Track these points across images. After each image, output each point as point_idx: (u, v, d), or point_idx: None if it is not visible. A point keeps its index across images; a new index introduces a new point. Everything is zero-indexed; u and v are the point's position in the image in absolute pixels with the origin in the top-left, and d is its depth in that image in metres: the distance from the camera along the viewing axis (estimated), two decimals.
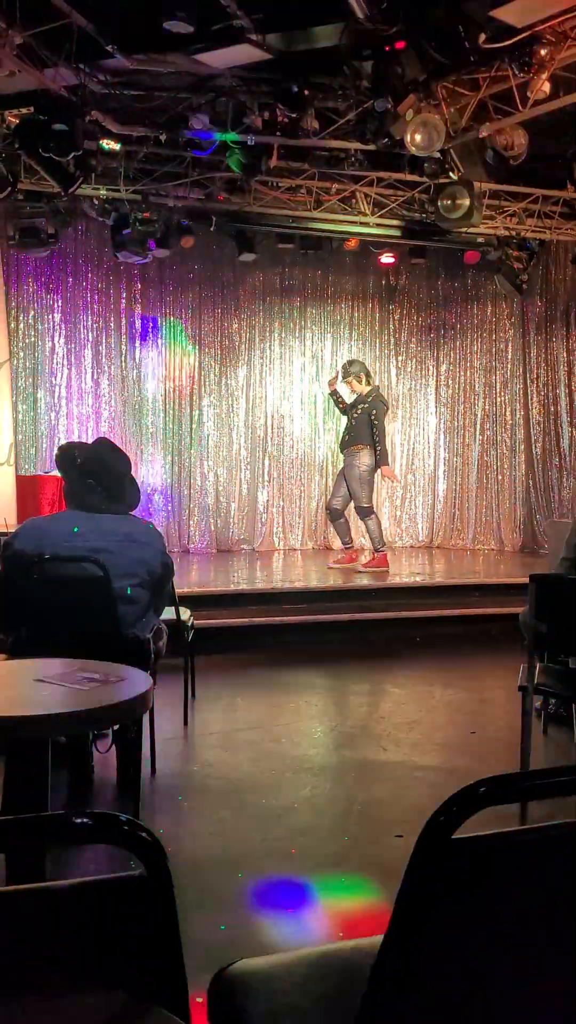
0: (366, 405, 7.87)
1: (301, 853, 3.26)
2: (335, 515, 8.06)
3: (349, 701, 5.23)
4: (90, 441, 3.97)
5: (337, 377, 8.07)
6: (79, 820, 1.10)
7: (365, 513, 7.85)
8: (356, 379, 7.94)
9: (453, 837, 1.08)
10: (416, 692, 5.52)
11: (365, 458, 7.78)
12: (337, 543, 8.62)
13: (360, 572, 7.74)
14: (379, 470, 7.89)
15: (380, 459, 7.87)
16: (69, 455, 3.61)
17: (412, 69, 5.19)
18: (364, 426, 7.81)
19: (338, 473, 8.12)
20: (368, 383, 7.99)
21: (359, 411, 7.87)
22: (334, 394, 8.24)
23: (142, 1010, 1.03)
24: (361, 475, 7.83)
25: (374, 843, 3.33)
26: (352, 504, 7.89)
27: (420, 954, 1.12)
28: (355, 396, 7.96)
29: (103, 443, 3.73)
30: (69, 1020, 1.02)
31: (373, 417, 7.83)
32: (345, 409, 8.07)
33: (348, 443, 7.89)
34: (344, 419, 8.10)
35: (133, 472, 3.75)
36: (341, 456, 8.06)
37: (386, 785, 3.94)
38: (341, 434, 8.11)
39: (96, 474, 3.50)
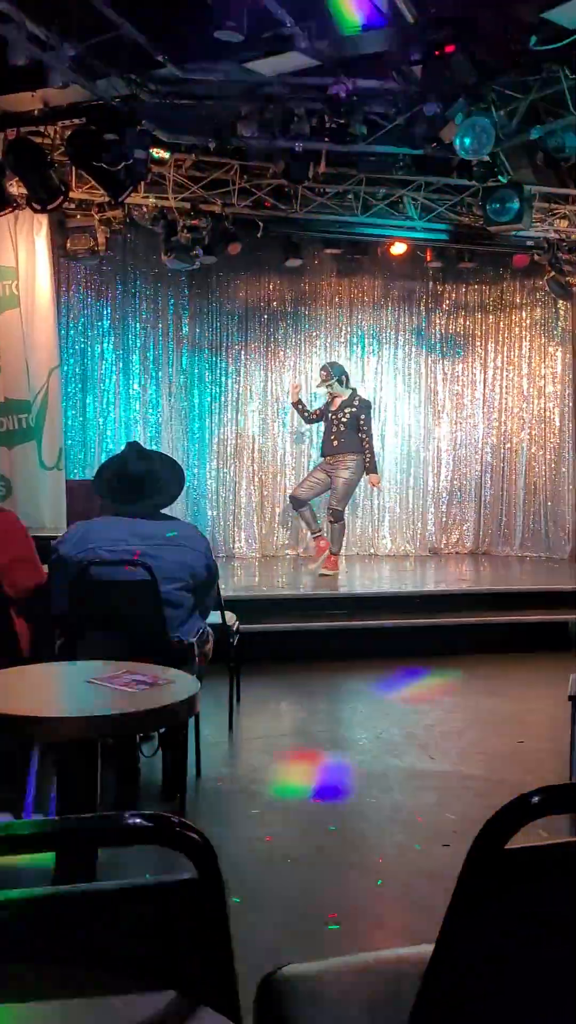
0: (354, 409, 7.83)
1: (346, 860, 3.25)
2: (300, 503, 8.02)
3: (395, 708, 5.20)
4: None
5: (322, 383, 7.95)
6: (131, 821, 1.12)
7: (338, 517, 7.79)
8: (339, 382, 7.93)
9: (506, 847, 1.07)
10: (463, 701, 5.46)
11: (357, 465, 7.80)
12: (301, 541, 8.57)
13: (325, 574, 7.65)
14: (367, 476, 7.91)
15: (371, 466, 7.88)
16: (98, 475, 3.71)
17: (462, 72, 5.16)
18: (353, 431, 7.79)
19: (316, 468, 8.05)
20: (348, 386, 8.01)
21: (346, 415, 7.80)
22: (299, 404, 8.21)
23: (193, 1011, 1.04)
24: (351, 481, 7.84)
25: (421, 852, 3.30)
26: (310, 498, 7.94)
27: (471, 965, 1.11)
28: (338, 400, 7.87)
29: (130, 447, 3.77)
30: (120, 1020, 1.02)
31: (362, 422, 7.83)
32: (319, 416, 8.05)
33: (338, 449, 7.79)
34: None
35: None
36: (323, 462, 7.99)
37: (433, 794, 3.91)
38: (321, 439, 8.03)
39: (127, 484, 3.54)
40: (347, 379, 8.03)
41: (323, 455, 7.99)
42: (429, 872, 3.08)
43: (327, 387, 7.94)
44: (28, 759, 3.50)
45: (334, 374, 7.97)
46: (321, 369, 8.07)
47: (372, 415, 8.42)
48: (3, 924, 1.08)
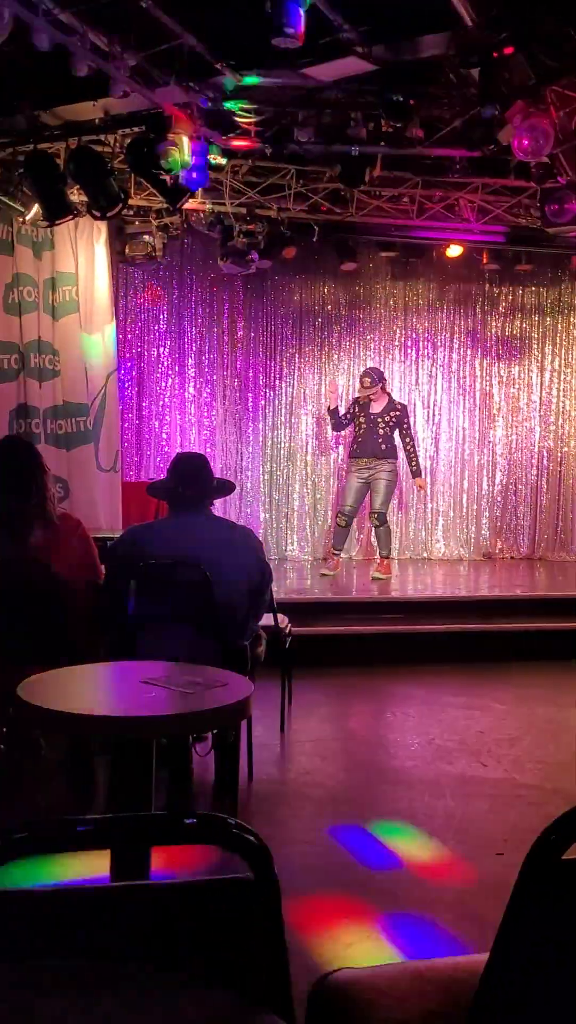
0: (397, 413, 7.85)
1: (397, 866, 3.24)
2: (351, 519, 7.99)
3: (447, 714, 5.17)
4: (191, 450, 4.08)
5: (370, 388, 7.85)
6: (188, 820, 1.14)
7: (384, 520, 7.81)
8: (381, 387, 7.93)
9: (563, 858, 1.07)
10: (517, 708, 5.40)
11: (395, 468, 7.83)
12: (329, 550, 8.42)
13: (379, 578, 7.65)
14: (414, 480, 7.99)
15: (416, 469, 7.92)
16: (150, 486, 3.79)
17: (520, 75, 5.11)
18: (393, 435, 7.81)
19: (350, 476, 7.90)
20: (386, 389, 8.01)
21: (392, 419, 7.80)
22: (336, 409, 8.08)
23: (250, 1012, 1.05)
24: (392, 483, 7.86)
25: (474, 860, 3.28)
26: (357, 510, 7.89)
27: (527, 974, 1.11)
28: (378, 404, 7.83)
29: (176, 456, 3.86)
30: (179, 1018, 1.04)
31: (406, 426, 7.87)
32: (355, 418, 7.88)
33: (384, 453, 7.77)
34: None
35: (234, 479, 3.84)
36: (357, 466, 7.85)
37: (486, 802, 3.88)
38: (357, 442, 7.87)
39: (179, 476, 3.61)
40: (386, 383, 8.06)
41: (359, 457, 7.83)
42: (482, 881, 3.05)
43: (371, 392, 7.92)
44: (89, 758, 3.56)
45: (377, 379, 7.99)
46: (364, 376, 7.98)
47: (419, 418, 8.42)
48: (62, 918, 1.10)
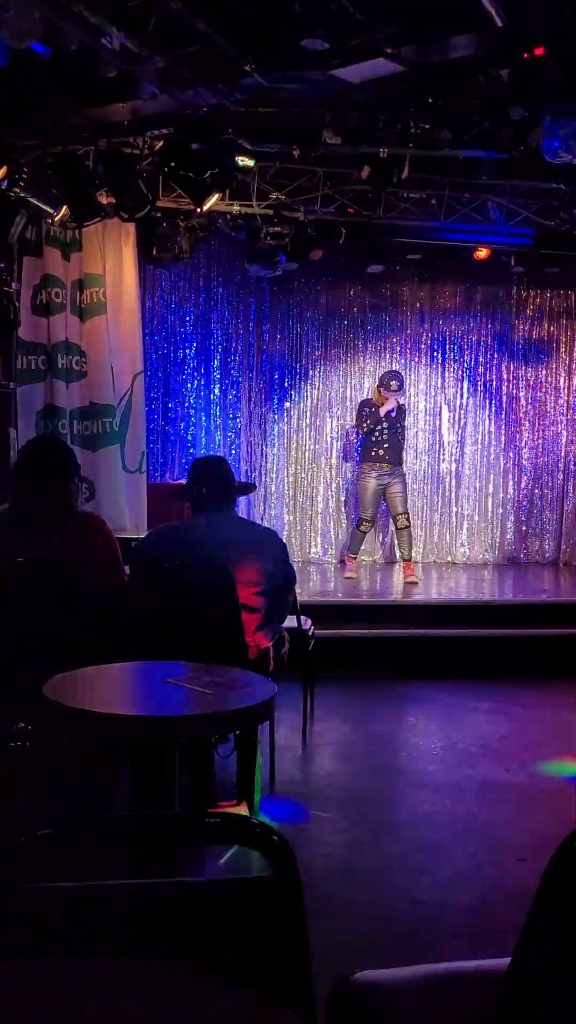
0: (404, 413, 7.94)
1: (419, 870, 3.23)
2: (371, 527, 8.03)
3: (471, 719, 5.14)
4: (215, 452, 4.09)
5: (398, 392, 7.87)
6: (214, 820, 1.14)
7: (407, 522, 7.83)
8: (402, 390, 7.95)
9: None
10: (541, 713, 5.36)
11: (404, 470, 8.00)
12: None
13: (415, 583, 7.65)
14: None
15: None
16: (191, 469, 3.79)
17: (550, 76, 5.09)
18: (402, 439, 7.93)
19: (369, 480, 7.82)
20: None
21: (403, 421, 7.90)
22: (378, 414, 7.88)
23: (270, 1011, 1.05)
24: (407, 485, 7.96)
25: (495, 865, 3.26)
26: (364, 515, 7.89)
27: (548, 980, 1.09)
28: (396, 408, 7.84)
29: (201, 459, 3.87)
30: (199, 1015, 1.04)
31: (405, 429, 8.00)
32: (376, 422, 7.80)
33: (398, 459, 7.87)
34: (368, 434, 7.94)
35: (256, 481, 3.84)
36: (378, 471, 7.81)
37: (508, 807, 3.85)
38: (383, 447, 7.81)
39: (200, 476, 3.63)
40: None
41: (381, 462, 7.79)
42: (503, 885, 3.03)
43: (398, 395, 7.91)
44: (113, 757, 3.57)
45: (401, 383, 8.00)
46: (392, 379, 7.97)
47: (444, 422, 8.37)
48: (85, 915, 1.11)
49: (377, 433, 7.83)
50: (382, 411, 7.81)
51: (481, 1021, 1.17)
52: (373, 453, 7.85)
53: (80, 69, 5.03)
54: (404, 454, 8.01)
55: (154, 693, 2.63)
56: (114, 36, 4.75)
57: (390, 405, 7.82)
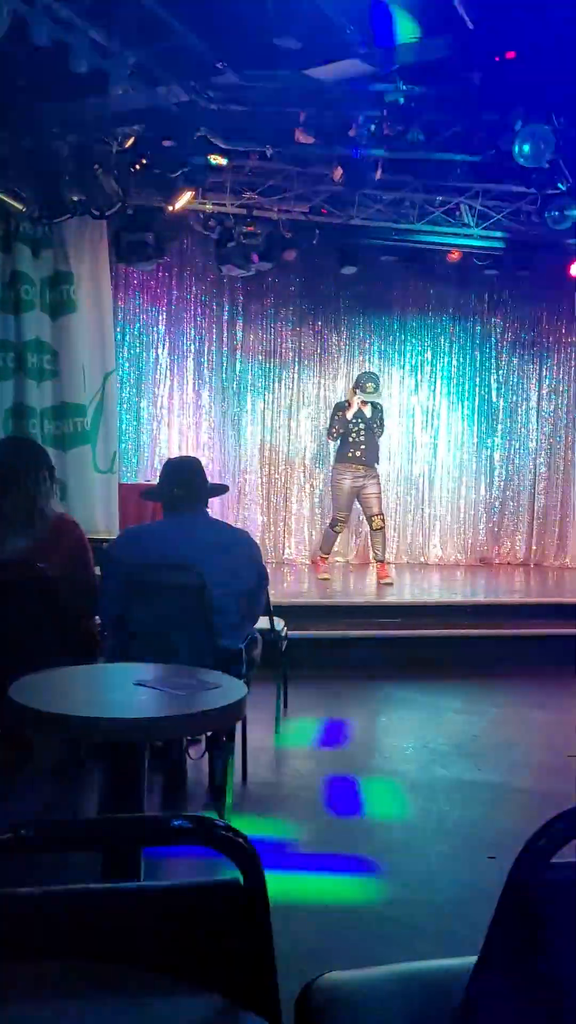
0: (380, 414, 7.88)
1: (390, 869, 3.23)
2: (345, 524, 8.03)
3: (443, 718, 5.16)
4: (188, 453, 4.08)
5: (373, 392, 7.84)
6: (179, 822, 1.12)
7: (382, 523, 7.80)
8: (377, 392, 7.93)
9: (552, 861, 1.06)
10: (512, 712, 5.39)
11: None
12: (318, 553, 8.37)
13: (388, 584, 7.64)
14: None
15: None
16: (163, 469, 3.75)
17: (522, 80, 5.12)
18: (379, 439, 7.87)
19: (344, 480, 7.78)
20: None
21: (379, 422, 7.84)
22: (345, 417, 7.84)
23: (237, 1016, 1.04)
24: (380, 486, 7.91)
25: (465, 863, 3.27)
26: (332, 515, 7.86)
27: (515, 977, 1.10)
28: (367, 410, 7.78)
29: (173, 460, 3.84)
30: (165, 1020, 1.03)
31: (383, 428, 7.94)
32: (353, 424, 7.74)
33: (373, 460, 7.81)
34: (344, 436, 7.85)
35: (229, 482, 3.83)
36: (353, 473, 7.76)
37: (479, 806, 3.87)
38: (360, 448, 7.75)
39: (172, 476, 3.61)
40: None
41: (358, 464, 7.75)
42: (473, 884, 3.04)
43: (374, 397, 7.91)
44: (82, 760, 3.54)
45: (377, 384, 8.00)
46: (368, 380, 7.96)
47: (418, 424, 8.37)
48: (49, 920, 1.09)
49: (354, 434, 7.80)
50: (348, 414, 7.76)
51: (450, 1019, 1.16)
52: (349, 454, 7.81)
53: (51, 64, 4.99)
54: (377, 455, 7.95)
55: (125, 695, 2.61)
56: (85, 31, 4.71)
57: (353, 409, 7.78)
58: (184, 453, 8.06)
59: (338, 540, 8.26)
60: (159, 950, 1.13)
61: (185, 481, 3.61)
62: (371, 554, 8.20)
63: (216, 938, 1.13)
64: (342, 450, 7.86)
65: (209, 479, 3.79)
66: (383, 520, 7.84)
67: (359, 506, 7.95)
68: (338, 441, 7.91)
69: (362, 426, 7.78)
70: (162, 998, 1.08)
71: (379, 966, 1.47)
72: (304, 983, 1.39)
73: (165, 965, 1.12)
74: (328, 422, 8.13)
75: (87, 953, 1.10)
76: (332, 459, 8.22)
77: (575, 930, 1.10)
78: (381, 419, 7.91)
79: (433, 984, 1.40)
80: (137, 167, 5.87)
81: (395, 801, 3.90)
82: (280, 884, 2.91)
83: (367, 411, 7.81)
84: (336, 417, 7.86)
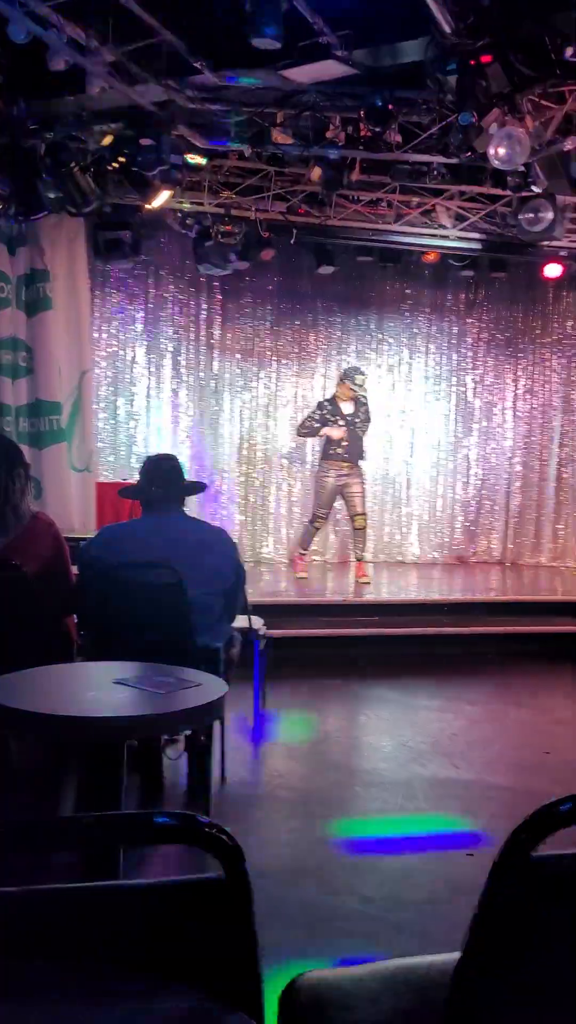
0: (365, 408, 7.86)
1: (369, 867, 3.24)
2: (324, 525, 8.03)
3: (420, 716, 5.18)
4: (165, 451, 4.07)
5: (359, 386, 7.78)
6: (162, 820, 1.13)
7: (364, 523, 7.80)
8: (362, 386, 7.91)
9: (533, 855, 1.06)
10: (489, 710, 5.43)
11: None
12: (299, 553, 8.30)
13: (365, 583, 7.66)
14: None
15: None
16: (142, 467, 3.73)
17: (497, 83, 5.13)
18: (363, 437, 7.82)
19: (329, 478, 7.75)
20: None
21: (363, 417, 7.81)
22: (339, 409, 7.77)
23: (221, 1013, 1.04)
24: (364, 484, 7.90)
25: (444, 860, 3.29)
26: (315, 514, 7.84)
27: (499, 972, 1.10)
28: (350, 406, 7.74)
29: (151, 457, 3.84)
30: (148, 1018, 1.03)
31: (368, 424, 7.92)
32: (332, 420, 7.70)
33: (357, 457, 7.76)
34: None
35: (207, 480, 3.83)
36: (336, 471, 7.72)
37: (457, 803, 3.89)
38: (341, 445, 7.69)
39: (150, 475, 3.61)
40: None
41: (341, 461, 7.71)
42: (452, 880, 3.06)
43: (361, 391, 7.90)
44: (60, 760, 3.52)
45: (363, 375, 7.97)
46: (358, 373, 7.94)
47: (395, 423, 8.35)
48: (32, 919, 1.08)
49: (337, 431, 7.78)
50: (344, 407, 7.71)
51: (432, 1016, 1.17)
52: (332, 451, 7.76)
53: (28, 61, 4.96)
54: (362, 452, 7.85)
55: (103, 693, 2.60)
56: (63, 28, 4.69)
57: (350, 403, 7.75)
58: (162, 451, 8.03)
59: (316, 538, 8.27)
60: (143, 948, 1.13)
61: (164, 479, 3.61)
62: (352, 553, 8.20)
63: (200, 936, 1.12)
64: (326, 447, 7.83)
65: (187, 478, 3.79)
66: (365, 520, 7.84)
67: (341, 504, 7.95)
68: (325, 438, 7.80)
69: (343, 423, 7.76)
70: (146, 996, 1.08)
71: (361, 964, 1.48)
72: (287, 982, 1.40)
73: (149, 963, 1.12)
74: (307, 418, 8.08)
75: (71, 952, 1.10)
76: (318, 456, 8.14)
77: (559, 922, 1.11)
78: (367, 414, 7.87)
79: (415, 980, 1.40)
80: (115, 165, 5.83)
81: (373, 799, 3.91)
82: (261, 882, 2.91)
83: (349, 408, 7.81)
84: (317, 414, 7.80)
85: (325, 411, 7.79)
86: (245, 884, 1.10)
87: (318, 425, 7.77)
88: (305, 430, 7.91)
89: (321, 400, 8.24)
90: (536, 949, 1.10)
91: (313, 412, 7.93)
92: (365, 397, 7.90)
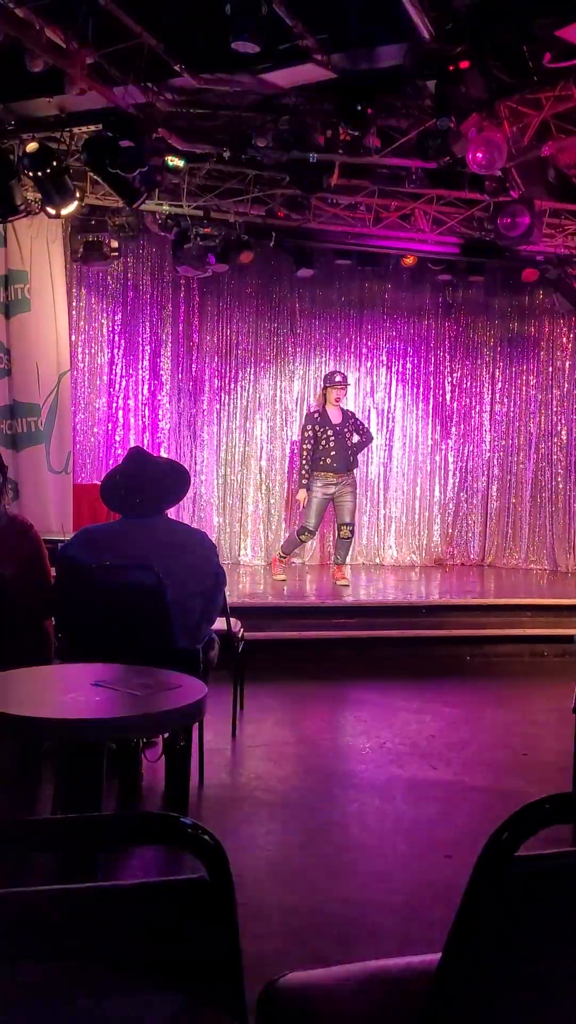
0: (353, 419, 7.91)
1: (347, 869, 3.25)
2: (311, 538, 8.01)
3: (399, 718, 5.19)
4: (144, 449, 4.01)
5: (340, 388, 7.84)
6: (144, 821, 1.12)
7: (351, 533, 7.80)
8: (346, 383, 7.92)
9: (516, 855, 1.07)
10: (467, 712, 5.45)
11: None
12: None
13: (346, 585, 7.68)
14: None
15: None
16: (104, 485, 3.67)
17: (475, 88, 5.17)
18: (350, 445, 7.78)
19: (319, 490, 7.68)
20: None
21: (351, 427, 7.81)
22: (329, 419, 7.76)
23: (202, 1014, 1.04)
24: (356, 494, 7.88)
25: (422, 862, 3.29)
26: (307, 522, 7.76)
27: (480, 973, 1.10)
28: (338, 414, 7.76)
29: (133, 452, 3.77)
30: (130, 1020, 1.03)
31: (362, 428, 7.96)
32: (321, 432, 7.67)
33: (346, 467, 7.71)
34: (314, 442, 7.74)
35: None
36: (324, 480, 7.67)
37: (435, 804, 3.90)
38: (330, 456, 7.67)
39: (131, 484, 3.54)
40: None
41: (329, 472, 7.66)
42: (431, 882, 3.07)
43: (343, 395, 7.91)
44: (38, 762, 3.50)
45: (345, 382, 7.99)
46: (336, 374, 7.96)
47: (373, 425, 8.33)
48: (12, 921, 1.08)
49: (324, 441, 7.73)
50: (330, 413, 7.73)
51: (412, 1018, 1.17)
52: (321, 462, 7.70)
53: (5, 62, 4.93)
54: (352, 462, 7.82)
55: (82, 695, 2.58)
56: (41, 30, 4.67)
57: (338, 412, 7.76)
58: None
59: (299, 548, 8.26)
60: (125, 950, 1.12)
61: (144, 488, 3.57)
62: (333, 558, 8.18)
63: (182, 936, 1.12)
64: (315, 457, 7.76)
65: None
66: (351, 531, 7.79)
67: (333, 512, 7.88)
68: (312, 448, 7.74)
69: (331, 432, 7.73)
70: (128, 997, 1.08)
71: (341, 966, 1.47)
72: (265, 983, 1.39)
73: (131, 965, 1.12)
74: (300, 437, 8.07)
75: (52, 954, 1.10)
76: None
77: (541, 923, 1.11)
78: (355, 424, 7.87)
79: (394, 982, 1.41)
80: (94, 167, 5.81)
81: (352, 801, 3.91)
82: (240, 886, 2.90)
83: (337, 417, 7.81)
84: (308, 429, 7.77)
85: (315, 424, 7.78)
86: (228, 884, 1.10)
87: (305, 475, 7.73)
88: (307, 449, 7.79)
89: (309, 412, 8.24)
90: (517, 950, 1.10)
91: (304, 428, 7.90)
92: (354, 414, 7.99)
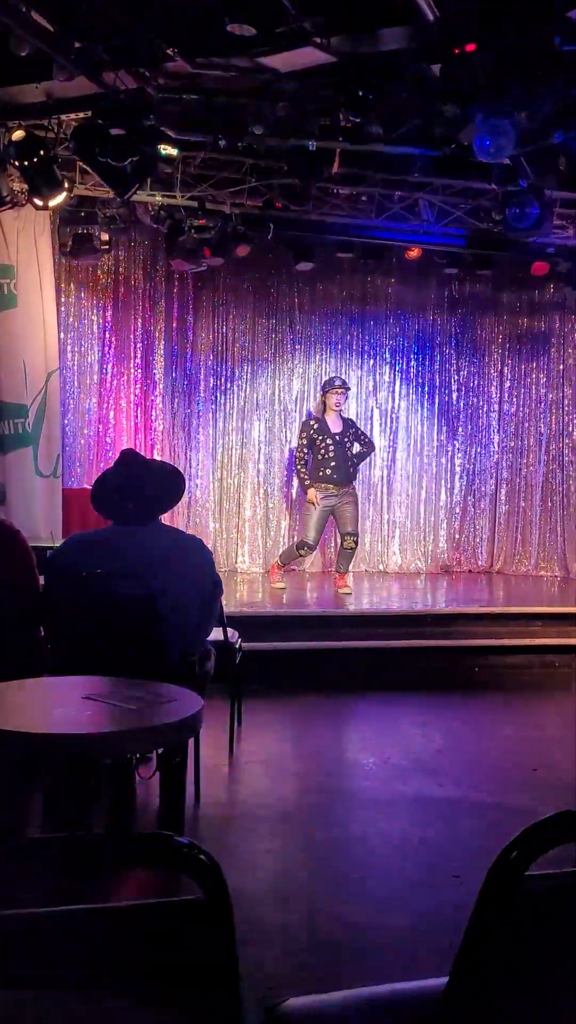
0: (354, 429, 7.76)
1: (350, 891, 3.10)
2: (311, 552, 7.86)
3: (403, 732, 5.04)
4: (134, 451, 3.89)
5: (340, 393, 7.70)
6: (139, 841, 1.13)
7: (354, 544, 7.62)
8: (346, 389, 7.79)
9: (526, 874, 1.04)
10: (474, 725, 5.31)
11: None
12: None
13: (348, 593, 7.53)
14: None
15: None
16: (94, 491, 3.55)
17: (482, 72, 5.01)
18: (351, 455, 7.63)
19: (325, 510, 7.50)
20: None
21: (351, 436, 7.67)
22: (327, 427, 7.61)
23: None
24: (358, 503, 7.74)
25: (429, 884, 3.15)
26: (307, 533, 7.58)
27: (488, 998, 1.09)
28: (337, 423, 7.60)
29: (125, 455, 3.62)
30: None
31: (363, 436, 7.82)
32: (320, 442, 7.51)
33: (346, 478, 7.55)
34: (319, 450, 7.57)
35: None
36: (323, 492, 7.48)
37: (442, 823, 3.78)
38: (330, 467, 7.49)
39: (123, 489, 3.43)
40: None
41: (330, 483, 7.48)
42: (438, 905, 2.92)
43: (343, 403, 7.75)
44: (26, 778, 3.34)
45: (346, 389, 7.85)
46: (335, 379, 7.84)
47: (375, 427, 8.18)
48: (4, 944, 1.04)
49: (323, 450, 7.55)
50: (329, 421, 7.58)
51: None
52: (320, 473, 7.52)
53: None
54: (353, 473, 7.69)
55: (72, 709, 2.49)
56: (28, 13, 4.50)
57: (338, 420, 7.61)
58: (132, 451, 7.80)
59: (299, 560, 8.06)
60: (121, 971, 1.10)
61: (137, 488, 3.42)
62: (335, 567, 7.99)
63: (179, 959, 1.09)
64: (315, 468, 7.59)
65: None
66: (355, 541, 7.61)
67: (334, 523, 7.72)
68: (311, 458, 7.58)
69: (329, 441, 7.56)
70: (124, 1021, 1.07)
71: (342, 991, 1.47)
72: (266, 1008, 1.37)
73: (127, 986, 1.10)
74: (297, 439, 7.94)
75: (47, 976, 1.07)
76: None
77: (551, 944, 1.09)
78: (356, 433, 7.73)
79: (397, 1008, 1.40)
80: (83, 155, 5.62)
81: (355, 820, 3.74)
82: (239, 908, 2.72)
83: (337, 426, 7.63)
84: (305, 434, 7.65)
85: (312, 431, 7.63)
86: (226, 906, 1.08)
87: (305, 477, 7.58)
88: (302, 453, 7.65)
89: (307, 419, 8.08)
90: (527, 974, 1.09)
91: (300, 435, 7.78)
92: (355, 422, 7.87)
